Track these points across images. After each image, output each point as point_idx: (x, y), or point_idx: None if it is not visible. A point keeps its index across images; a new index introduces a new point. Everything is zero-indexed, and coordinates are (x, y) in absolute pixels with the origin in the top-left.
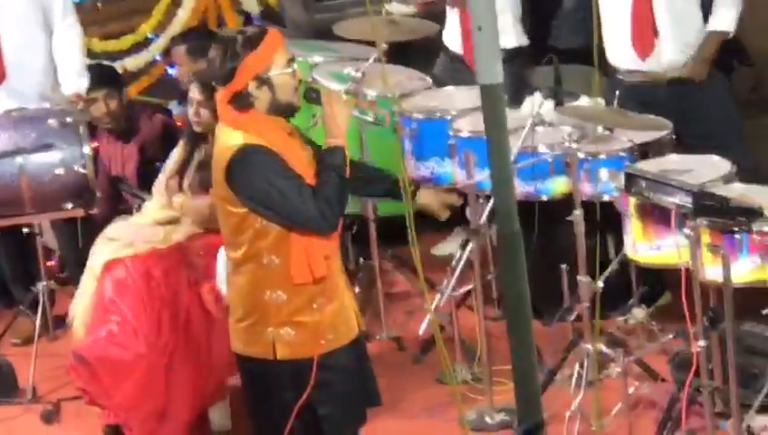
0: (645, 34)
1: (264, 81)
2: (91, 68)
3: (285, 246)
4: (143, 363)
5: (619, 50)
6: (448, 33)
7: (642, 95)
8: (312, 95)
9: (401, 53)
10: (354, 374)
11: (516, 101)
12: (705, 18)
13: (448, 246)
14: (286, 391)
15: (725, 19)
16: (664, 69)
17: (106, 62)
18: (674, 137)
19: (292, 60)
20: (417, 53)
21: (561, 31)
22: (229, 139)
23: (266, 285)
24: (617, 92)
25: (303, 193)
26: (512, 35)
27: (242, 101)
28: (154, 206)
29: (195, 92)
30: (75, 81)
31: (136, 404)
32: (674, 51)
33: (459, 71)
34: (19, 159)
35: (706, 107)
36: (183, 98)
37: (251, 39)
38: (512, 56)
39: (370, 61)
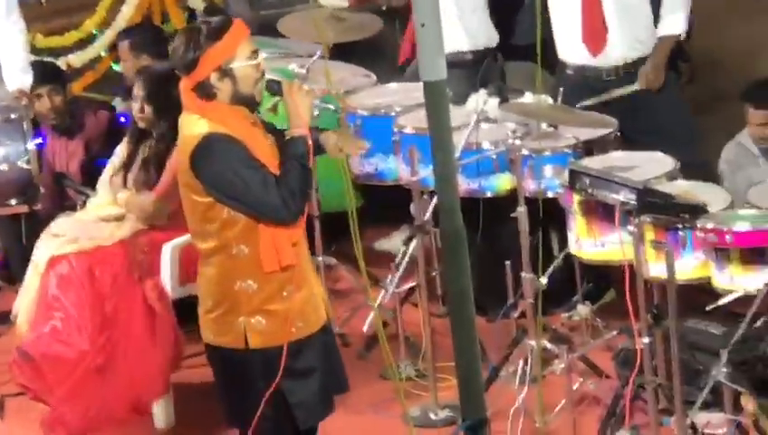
0: (596, 30)
1: (225, 72)
2: (34, 64)
3: (254, 235)
4: (86, 360)
5: (570, 46)
6: None
7: (592, 91)
8: (274, 87)
9: (346, 50)
10: (324, 361)
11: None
12: (656, 14)
13: (391, 242)
14: (258, 379)
15: (676, 22)
16: (614, 65)
17: (50, 59)
18: (619, 133)
19: (255, 52)
20: (362, 49)
21: (521, 27)
22: (194, 127)
23: (236, 274)
24: (560, 89)
25: (267, 182)
26: (491, 33)
27: (204, 91)
28: (98, 202)
29: (139, 88)
30: (19, 77)
31: (75, 398)
32: (624, 46)
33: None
34: None
35: (656, 103)
36: (128, 94)
37: (215, 29)
38: (490, 53)
39: (315, 57)
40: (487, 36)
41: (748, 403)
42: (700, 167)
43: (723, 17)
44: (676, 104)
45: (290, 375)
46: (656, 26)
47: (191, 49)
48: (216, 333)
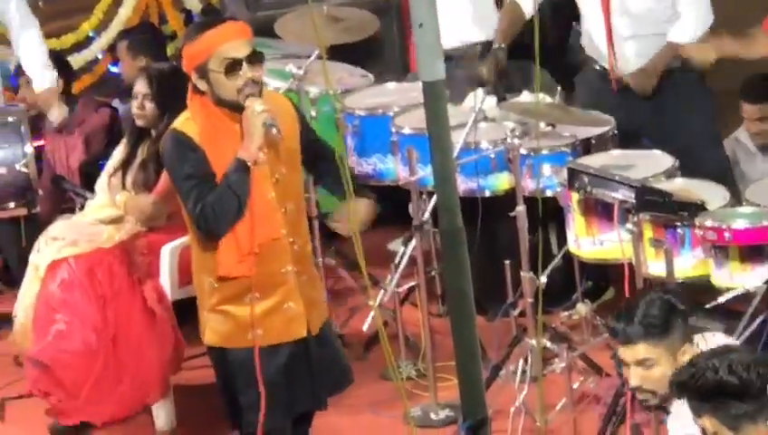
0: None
1: (203, 73)
2: None
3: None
4: (99, 354)
5: (598, 49)
6: None
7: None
8: None
9: (344, 50)
10: (287, 374)
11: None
12: None
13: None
14: (217, 373)
15: (683, 31)
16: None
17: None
18: (616, 132)
19: (237, 61)
20: (359, 49)
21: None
22: (179, 118)
23: (203, 269)
24: (558, 88)
25: (192, 194)
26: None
27: (193, 86)
28: (97, 204)
29: (141, 86)
30: (48, 75)
31: (103, 396)
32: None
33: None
34: None
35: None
36: (126, 95)
37: (193, 28)
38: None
39: (312, 58)
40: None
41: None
42: (724, 171)
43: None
44: (696, 104)
45: (239, 377)
46: None
47: (182, 42)
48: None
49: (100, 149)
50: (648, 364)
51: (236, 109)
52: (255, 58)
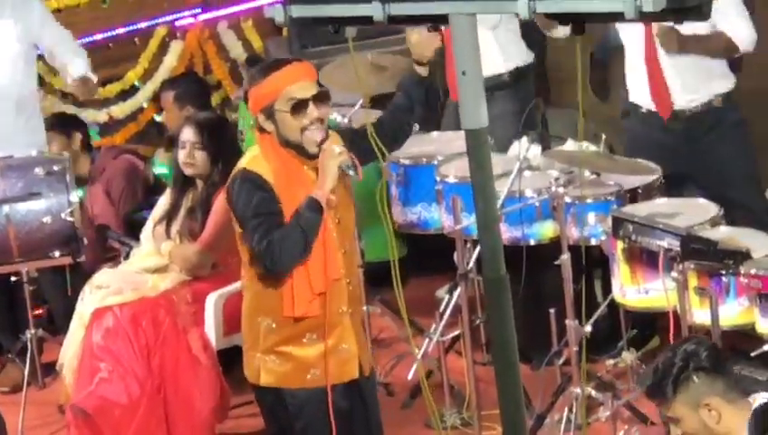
0: (661, 95)
1: (269, 114)
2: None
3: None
4: (141, 405)
5: (641, 96)
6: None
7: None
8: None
9: (387, 99)
10: (339, 415)
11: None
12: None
13: None
14: (269, 416)
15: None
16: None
17: (92, 110)
18: (663, 180)
19: (303, 101)
20: None
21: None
22: (245, 157)
23: (259, 310)
24: (603, 136)
25: (259, 230)
26: (525, 53)
27: (259, 126)
28: (142, 253)
29: (189, 134)
30: (81, 63)
31: None
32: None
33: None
34: (6, 208)
35: (721, 147)
36: (170, 144)
37: (260, 70)
38: (523, 74)
39: (356, 107)
40: (521, 55)
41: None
42: (759, 215)
43: None
44: (740, 148)
45: (297, 419)
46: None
47: (248, 84)
48: (245, 365)
49: (121, 195)
50: (675, 421)
51: (302, 151)
52: (322, 97)
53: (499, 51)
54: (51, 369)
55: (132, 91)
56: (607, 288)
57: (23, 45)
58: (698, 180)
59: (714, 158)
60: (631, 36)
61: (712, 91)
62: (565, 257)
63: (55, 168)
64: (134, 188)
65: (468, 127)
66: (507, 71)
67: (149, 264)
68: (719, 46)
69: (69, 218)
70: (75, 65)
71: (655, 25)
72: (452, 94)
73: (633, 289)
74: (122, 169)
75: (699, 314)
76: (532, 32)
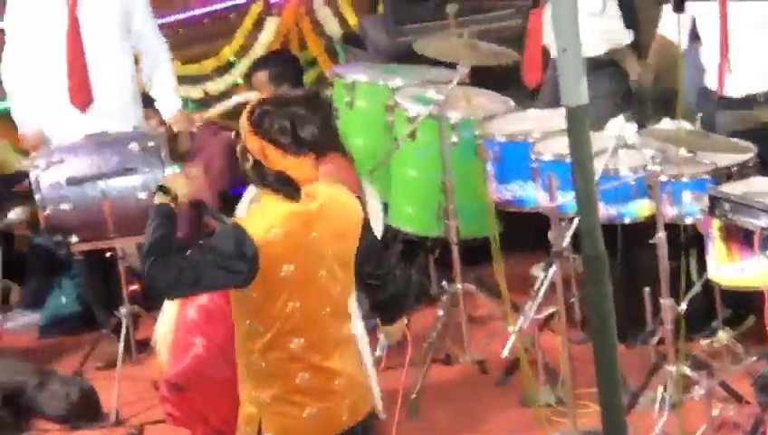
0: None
1: None
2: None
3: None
4: (234, 381)
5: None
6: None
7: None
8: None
9: (480, 79)
10: None
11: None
12: None
13: None
14: None
15: None
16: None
17: (187, 86)
18: (758, 160)
19: None
20: (494, 79)
21: None
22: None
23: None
24: (698, 115)
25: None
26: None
27: None
28: None
29: None
30: (174, 103)
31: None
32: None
33: None
34: (101, 184)
35: None
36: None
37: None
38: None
39: (454, 83)
40: (621, 35)
41: None
42: None
43: None
44: None
45: None
46: None
47: None
48: None
49: (220, 173)
50: None
51: None
52: None
53: (600, 35)
54: (145, 345)
55: (227, 67)
56: (702, 267)
57: (121, 17)
58: None
59: None
60: (708, 26)
61: None
62: (661, 236)
63: (150, 143)
64: (231, 166)
65: (568, 104)
66: (605, 51)
67: None
68: None
69: None
70: (164, 101)
71: None
72: (525, 77)
73: (729, 268)
74: (222, 145)
75: None
76: (627, 12)
